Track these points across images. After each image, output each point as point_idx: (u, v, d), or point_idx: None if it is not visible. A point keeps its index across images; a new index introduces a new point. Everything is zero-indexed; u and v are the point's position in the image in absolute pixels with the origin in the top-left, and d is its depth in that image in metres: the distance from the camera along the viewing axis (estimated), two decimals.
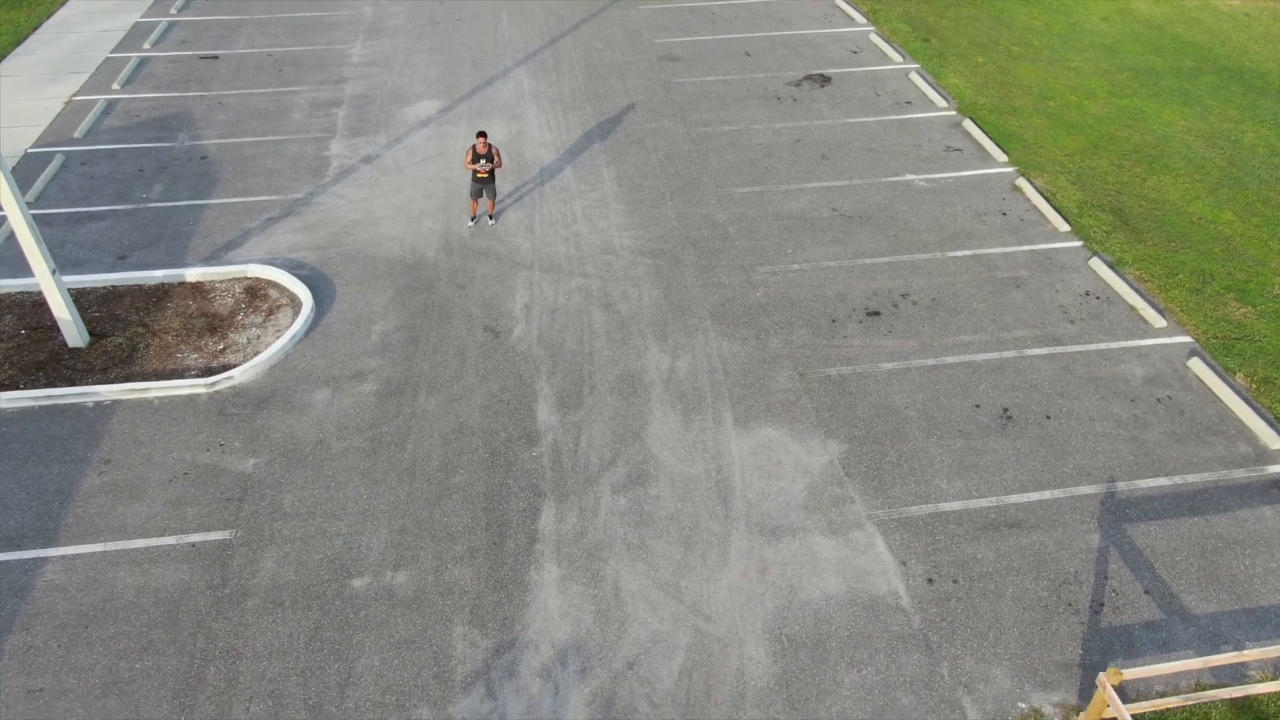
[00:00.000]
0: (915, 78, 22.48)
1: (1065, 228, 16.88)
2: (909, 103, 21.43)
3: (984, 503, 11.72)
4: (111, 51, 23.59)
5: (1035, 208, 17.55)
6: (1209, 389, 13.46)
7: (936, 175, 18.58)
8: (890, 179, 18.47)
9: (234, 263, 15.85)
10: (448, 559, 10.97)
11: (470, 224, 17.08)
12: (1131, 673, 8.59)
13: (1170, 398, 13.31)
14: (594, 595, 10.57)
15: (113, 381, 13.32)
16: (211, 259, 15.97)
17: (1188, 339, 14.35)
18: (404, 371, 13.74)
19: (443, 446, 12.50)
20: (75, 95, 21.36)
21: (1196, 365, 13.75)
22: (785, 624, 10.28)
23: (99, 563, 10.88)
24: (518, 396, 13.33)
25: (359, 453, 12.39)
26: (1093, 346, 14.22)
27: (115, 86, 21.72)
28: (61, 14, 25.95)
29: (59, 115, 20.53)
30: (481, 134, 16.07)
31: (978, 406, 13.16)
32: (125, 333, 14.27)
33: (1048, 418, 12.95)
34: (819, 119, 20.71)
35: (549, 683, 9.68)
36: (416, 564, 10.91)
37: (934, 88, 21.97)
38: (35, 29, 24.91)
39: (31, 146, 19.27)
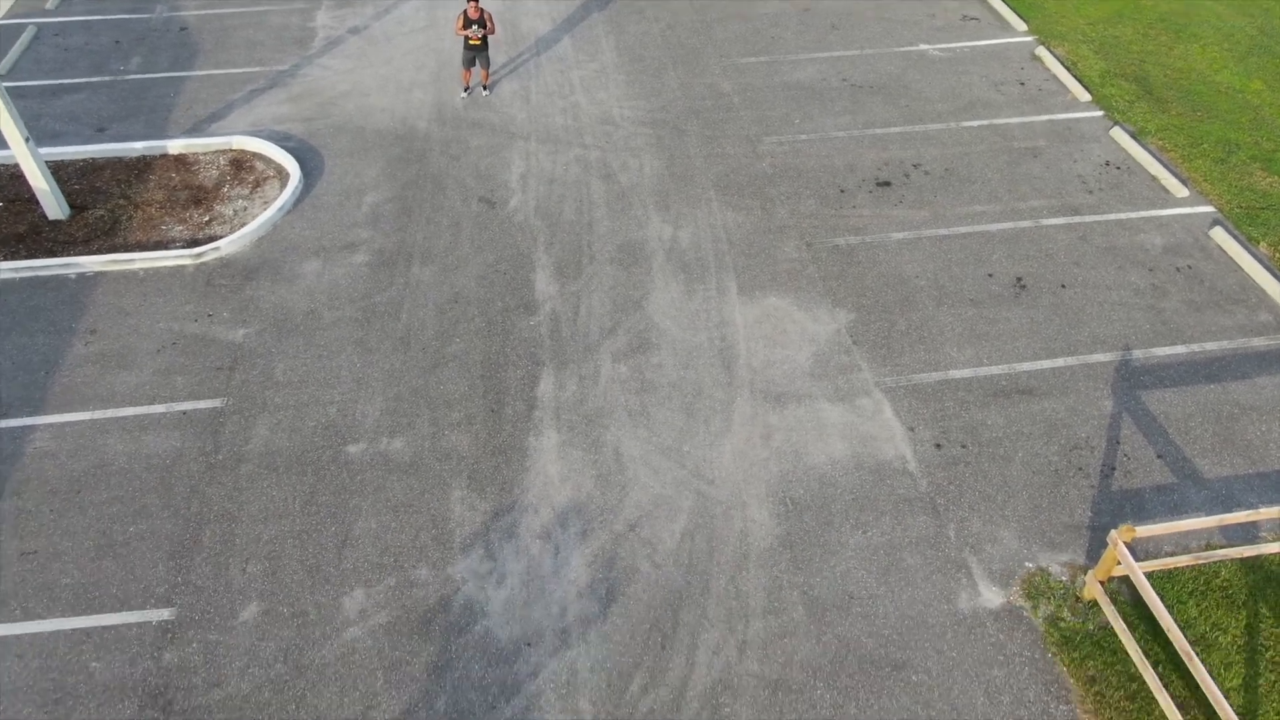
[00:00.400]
0: None
1: (1086, 97, 16.14)
2: None
3: (995, 370, 11.39)
4: None
5: (1055, 77, 16.75)
6: (1230, 258, 12.99)
7: (952, 45, 17.71)
8: (903, 49, 17.62)
9: (218, 135, 15.20)
10: (444, 425, 10.72)
11: (463, 95, 16.35)
12: (1144, 530, 8.39)
13: (1190, 267, 12.86)
14: (594, 460, 10.34)
15: (95, 253, 12.88)
16: (194, 131, 15.33)
17: (1210, 209, 13.81)
18: (396, 242, 13.27)
19: (438, 316, 12.13)
20: None
21: (1219, 234, 13.25)
22: (789, 488, 10.07)
23: (88, 430, 10.64)
24: (514, 267, 12.89)
25: (352, 322, 12.03)
26: (1111, 216, 13.69)
27: None
28: None
29: None
30: None
31: (990, 276, 12.72)
32: (107, 205, 13.76)
33: (1063, 287, 12.53)
34: None
35: (549, 544, 9.52)
36: (412, 430, 10.66)
37: None
38: None
39: (1, 17, 18.36)
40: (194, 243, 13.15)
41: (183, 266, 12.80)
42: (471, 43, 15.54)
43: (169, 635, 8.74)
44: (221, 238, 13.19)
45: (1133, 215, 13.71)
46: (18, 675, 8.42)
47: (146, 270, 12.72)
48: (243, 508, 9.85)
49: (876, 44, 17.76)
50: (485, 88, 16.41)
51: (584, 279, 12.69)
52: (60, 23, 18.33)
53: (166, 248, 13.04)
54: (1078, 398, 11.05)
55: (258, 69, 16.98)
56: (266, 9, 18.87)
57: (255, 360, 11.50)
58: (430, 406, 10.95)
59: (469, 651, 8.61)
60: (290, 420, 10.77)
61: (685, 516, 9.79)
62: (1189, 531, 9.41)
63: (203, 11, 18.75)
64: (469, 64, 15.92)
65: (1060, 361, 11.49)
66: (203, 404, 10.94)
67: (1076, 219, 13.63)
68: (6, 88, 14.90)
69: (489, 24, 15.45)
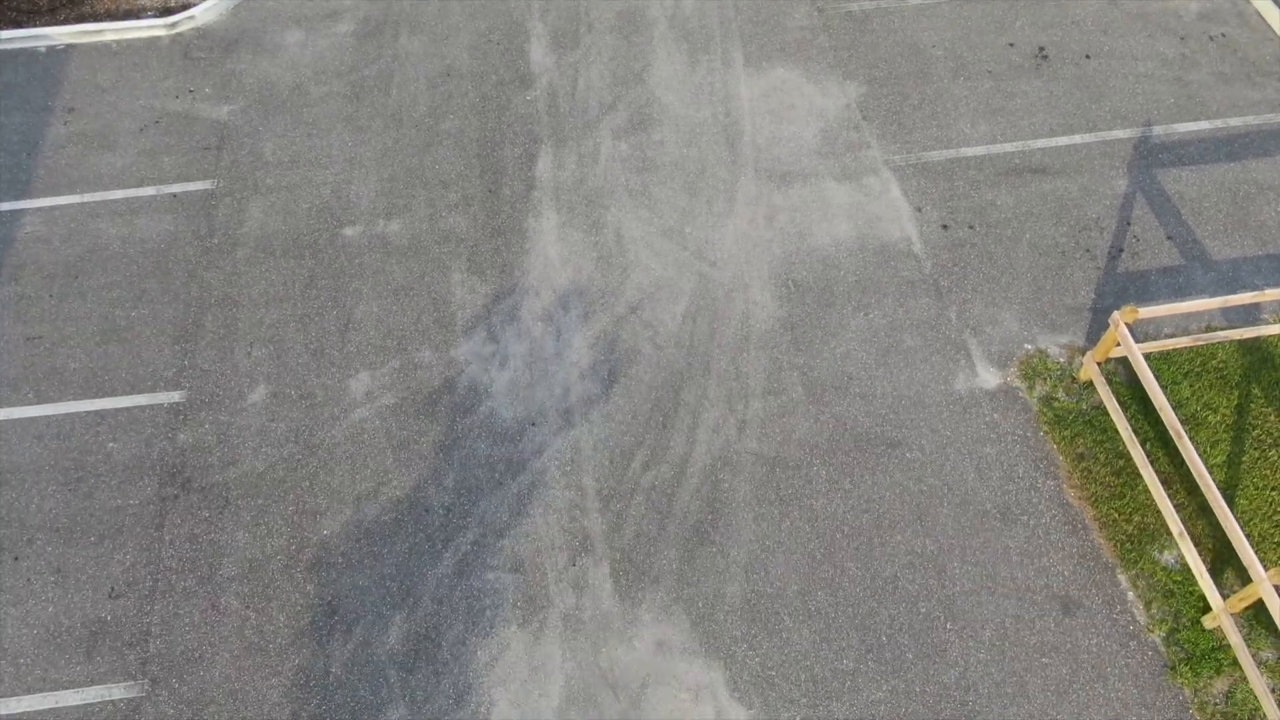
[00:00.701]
0: None
1: None
2: None
3: (1008, 147, 10.99)
4: None
5: None
6: (1269, 25, 12.19)
7: None
8: None
9: None
10: (441, 207, 10.49)
11: None
12: (1146, 311, 8.37)
13: (1224, 35, 12.10)
14: (595, 242, 10.20)
15: (63, 23, 12.11)
16: None
17: None
18: (382, 10, 12.44)
19: (429, 90, 11.57)
20: None
21: (1259, 1, 12.39)
22: (792, 269, 9.99)
23: (79, 214, 10.43)
24: (508, 36, 12.15)
25: (340, 98, 11.50)
26: None
27: None
28: None
29: None
30: None
31: (1011, 45, 12.00)
32: None
33: (1087, 57, 11.85)
34: None
35: (551, 326, 9.57)
36: (409, 212, 10.45)
37: None
38: None
39: None
40: (166, 11, 12.33)
41: (157, 38, 12.08)
42: None
43: (181, 417, 8.97)
44: (195, 5, 12.36)
45: None
46: (39, 455, 8.72)
47: (119, 42, 12.01)
48: (242, 291, 9.83)
49: None
50: None
51: (582, 49, 12.00)
52: None
53: (137, 17, 12.24)
54: (1092, 176, 10.73)
55: None
56: None
57: (243, 139, 11.08)
58: (426, 187, 10.67)
59: (475, 431, 8.86)
60: (284, 202, 10.53)
61: (687, 298, 9.77)
62: (1190, 314, 9.41)
63: None
64: None
65: (1077, 138, 11.06)
66: (193, 186, 10.66)
67: None
68: None
69: None
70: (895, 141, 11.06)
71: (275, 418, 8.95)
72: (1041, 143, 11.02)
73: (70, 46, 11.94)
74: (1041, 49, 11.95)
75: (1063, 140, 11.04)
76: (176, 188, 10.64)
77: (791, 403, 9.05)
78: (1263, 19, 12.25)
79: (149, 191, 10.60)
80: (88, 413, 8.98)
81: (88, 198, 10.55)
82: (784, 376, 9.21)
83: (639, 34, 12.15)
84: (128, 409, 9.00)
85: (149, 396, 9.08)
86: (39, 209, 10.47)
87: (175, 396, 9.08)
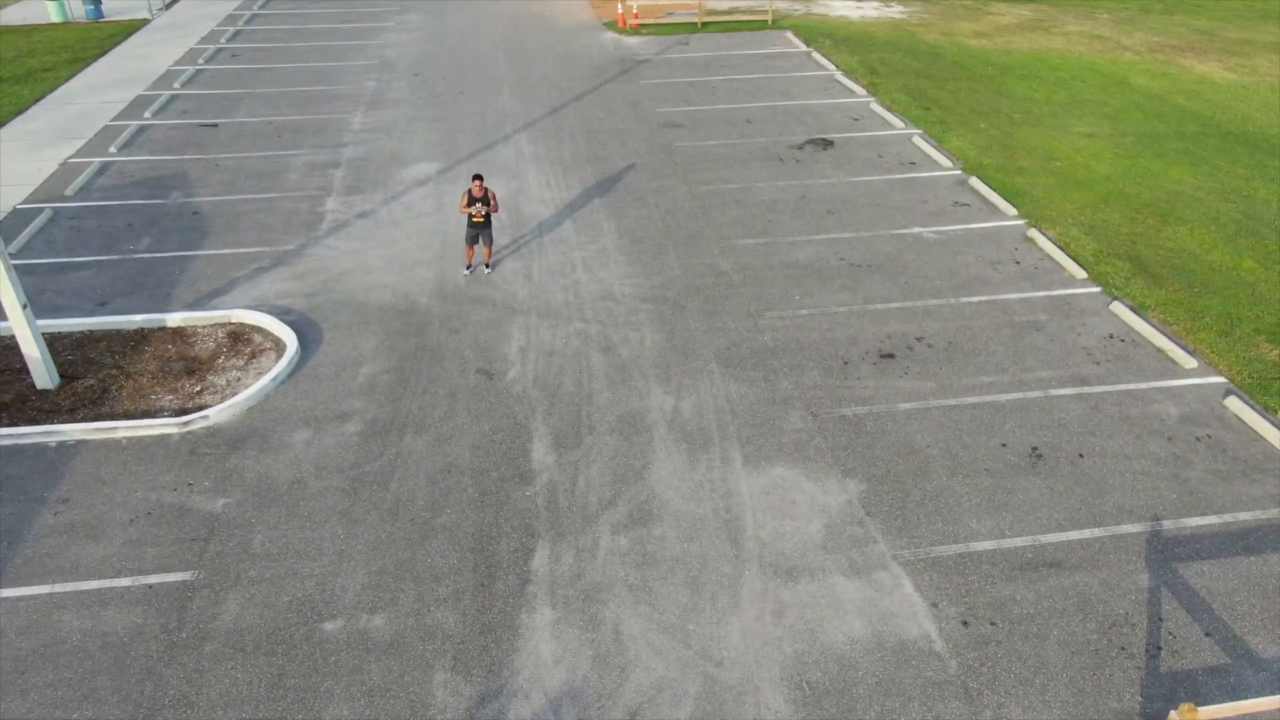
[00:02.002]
0: (918, 141, 22.33)
1: (1082, 275, 16.28)
2: (913, 163, 21.18)
3: (1019, 542, 10.71)
4: (112, 120, 23.55)
5: (1049, 256, 16.99)
6: (1250, 427, 12.58)
7: (945, 228, 18.11)
8: (898, 231, 17.99)
9: (218, 309, 15.19)
10: (430, 601, 9.92)
11: (466, 272, 16.50)
12: (1207, 711, 7.50)
13: (1210, 436, 12.42)
14: (592, 639, 9.48)
15: (80, 422, 12.48)
16: (195, 305, 15.33)
17: (1221, 379, 13.54)
18: (390, 412, 12.90)
19: (429, 486, 11.56)
20: (71, 157, 21.15)
21: (1234, 404, 12.91)
22: (806, 670, 9.17)
23: (45, 605, 9.82)
24: (511, 437, 12.45)
25: (338, 492, 11.45)
26: (1122, 387, 13.41)
27: (112, 150, 21.54)
28: (66, 87, 26.11)
29: (53, 175, 20.25)
30: (477, 177, 15.65)
31: (1004, 445, 12.27)
32: (98, 375, 13.50)
33: (1080, 456, 12.05)
34: (823, 178, 20.40)
35: None
36: (395, 606, 9.85)
37: (937, 149, 21.78)
38: (38, 100, 24.98)
39: (21, 203, 18.88)
40: (182, 412, 12.77)
41: (168, 435, 12.36)
42: (475, 220, 15.84)
43: None
44: (211, 406, 12.83)
45: (1143, 386, 13.43)
46: None
47: (130, 439, 12.26)
48: (201, 692, 8.91)
49: (872, 227, 18.15)
50: (488, 265, 16.59)
51: (583, 449, 12.22)
52: (77, 207, 18.82)
53: (154, 417, 12.65)
54: (1110, 571, 10.31)
55: (264, 249, 17.25)
56: (278, 195, 19.45)
57: (233, 531, 10.82)
58: (416, 580, 10.18)
59: None
60: (263, 595, 9.98)
61: (692, 702, 8.83)
62: (1257, 713, 8.45)
63: (216, 198, 19.32)
64: (472, 241, 16.17)
65: (1087, 533, 10.83)
66: (171, 577, 10.18)
67: (1086, 389, 13.33)
68: (15, 265, 15.04)
69: (492, 202, 15.80)
70: (902, 536, 10.81)
71: None
72: (1052, 537, 10.77)
73: (81, 442, 12.17)
74: (1035, 449, 12.18)
75: (1073, 535, 10.80)
76: (154, 579, 10.15)
77: None
78: (1243, 421, 12.67)
79: (125, 582, 10.09)
80: None
81: (59, 588, 10.02)
82: None
83: (639, 435, 12.47)
84: None
85: None
86: (3, 599, 9.88)
87: None
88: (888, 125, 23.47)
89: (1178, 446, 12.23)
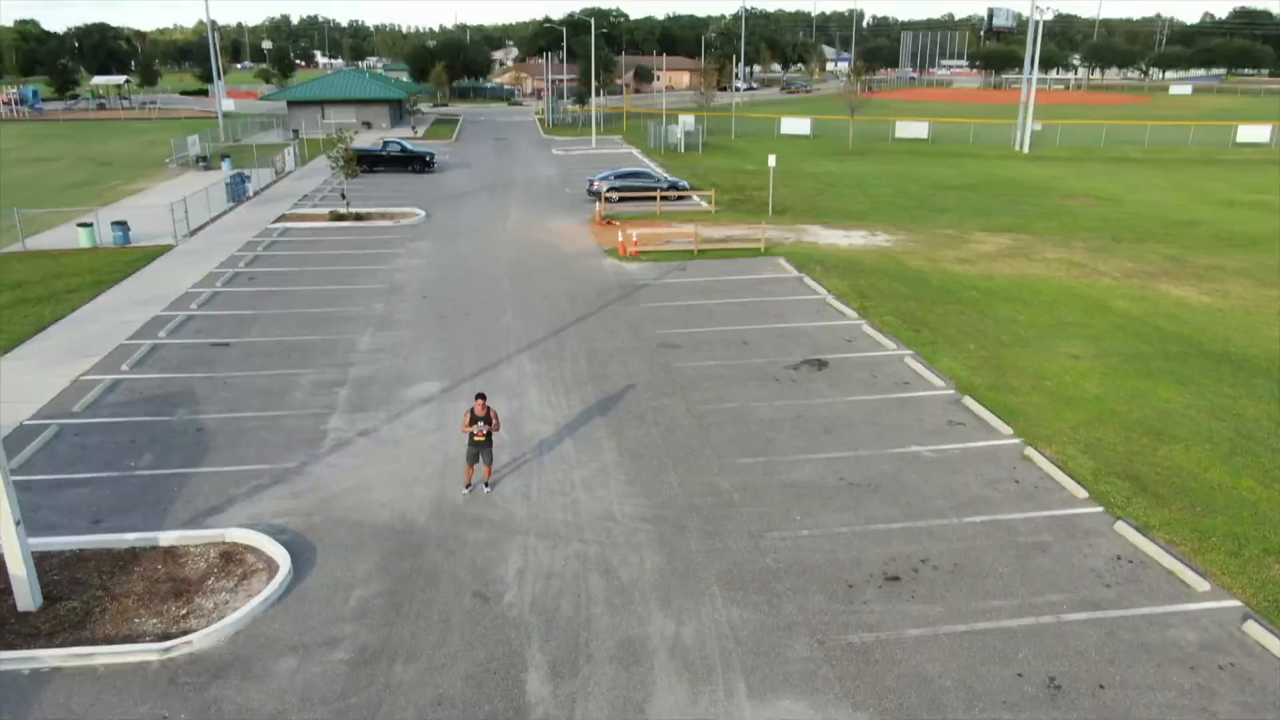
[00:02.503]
0: (910, 361, 22.94)
1: (1083, 494, 16.25)
2: (906, 383, 21.66)
3: None
4: (127, 338, 24.29)
5: (1048, 475, 17.02)
6: (1274, 655, 12.12)
7: (943, 446, 18.25)
8: (896, 450, 18.12)
9: (212, 528, 15.01)
10: None
11: (465, 491, 16.45)
12: None
13: (1234, 665, 11.94)
14: None
15: (59, 647, 12.01)
16: (190, 524, 15.16)
17: (1236, 602, 13.20)
18: (381, 639, 12.45)
19: None
20: (83, 375, 21.63)
21: (1254, 629, 12.51)
22: None
23: None
24: (506, 666, 11.96)
25: None
26: (1136, 611, 13.04)
27: (124, 368, 22.07)
28: (87, 308, 27.13)
29: (63, 392, 20.63)
30: (480, 396, 15.96)
31: (1020, 675, 11.76)
32: (82, 596, 13.14)
33: (1101, 687, 11.52)
34: (819, 397, 20.79)
35: None
36: None
37: (929, 369, 22.34)
38: (58, 319, 25.87)
39: (28, 418, 19.12)
40: (165, 637, 12.33)
41: (147, 662, 11.86)
42: (477, 439, 15.98)
43: None
44: (195, 631, 12.39)
45: (1157, 610, 13.06)
46: None
47: (107, 666, 11.76)
48: None
49: (869, 446, 18.30)
50: (487, 484, 16.57)
51: (580, 679, 11.71)
52: (83, 423, 19.04)
53: (136, 641, 12.20)
54: None
55: (265, 467, 17.28)
56: (283, 413, 19.73)
57: None
58: None
59: None
60: None
61: None
62: None
63: (221, 415, 19.58)
64: (473, 460, 16.23)
65: None
66: None
67: (1099, 614, 12.96)
68: (14, 480, 15.01)
69: (494, 421, 16.01)
70: None
71: None
72: None
73: (56, 670, 11.66)
74: (1052, 679, 11.68)
75: None
76: None
77: None
78: (1265, 648, 12.22)
79: None
80: None
81: None
82: None
83: (639, 664, 11.99)
84: None
85: None
86: None
87: None
88: (880, 346, 24.20)
89: (1201, 676, 11.74)
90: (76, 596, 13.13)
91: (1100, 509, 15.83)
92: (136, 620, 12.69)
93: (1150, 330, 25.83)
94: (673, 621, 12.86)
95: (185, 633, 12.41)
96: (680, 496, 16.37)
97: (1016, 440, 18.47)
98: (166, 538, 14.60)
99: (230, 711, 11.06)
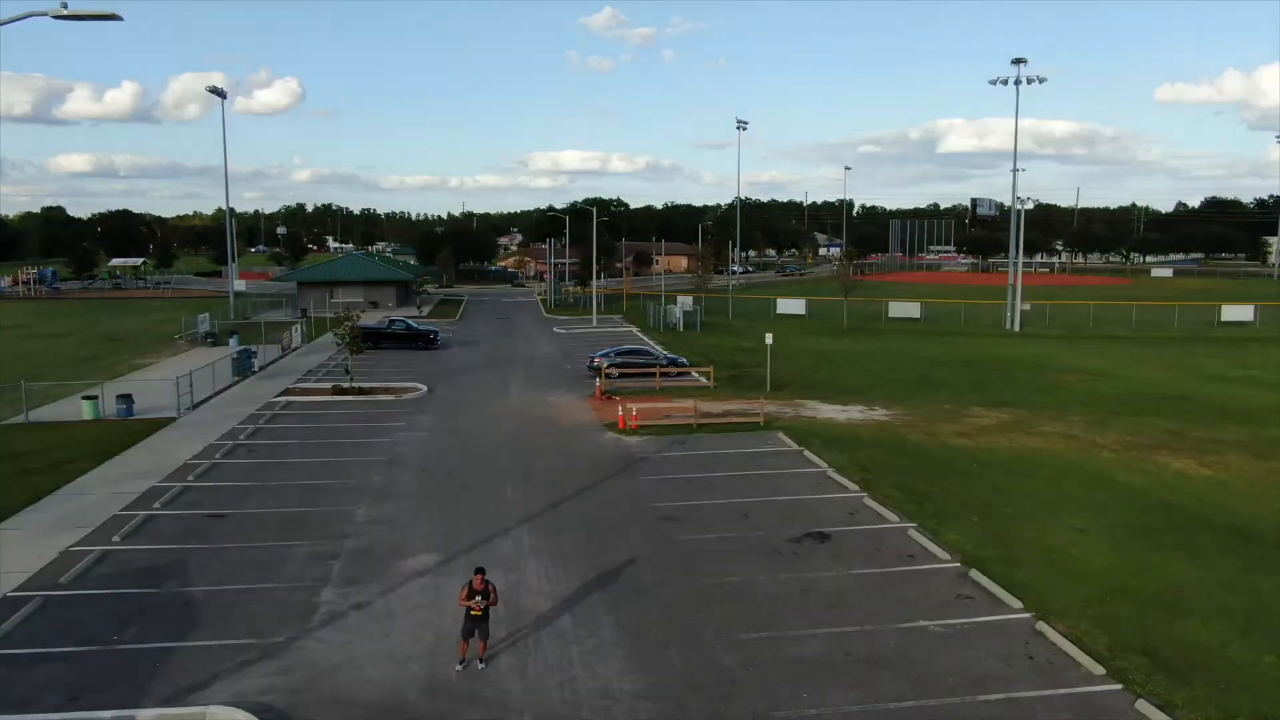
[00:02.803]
0: (914, 534, 22.65)
1: (1100, 670, 15.66)
2: (911, 556, 21.31)
3: None
4: (121, 509, 24.07)
5: (1063, 651, 16.45)
6: None
7: (951, 621, 17.74)
8: (903, 625, 17.60)
9: (193, 705, 14.37)
10: None
11: (459, 667, 15.85)
12: None
13: None
14: None
15: None
16: (171, 701, 14.53)
17: None
18: None
19: None
20: (73, 545, 21.28)
21: None
22: None
23: None
24: None
25: None
26: None
27: (115, 539, 21.76)
28: (84, 478, 27.04)
29: (51, 563, 20.24)
30: (479, 570, 15.70)
31: None
32: None
33: None
34: (823, 571, 20.40)
35: None
36: None
37: (934, 542, 22.01)
38: (54, 490, 25.72)
39: (12, 590, 18.66)
40: None
41: None
42: (474, 613, 15.56)
43: None
44: None
45: None
46: None
47: None
48: None
49: (876, 620, 17.79)
50: (482, 660, 15.98)
51: None
52: (68, 595, 18.57)
53: None
54: None
55: (253, 641, 16.73)
56: (275, 585, 19.29)
57: None
58: None
59: None
60: None
61: None
62: None
63: (211, 587, 19.13)
64: (468, 635, 15.74)
65: None
66: None
67: None
68: None
69: (492, 595, 15.64)
70: None
71: None
72: None
73: None
74: None
75: None
76: None
77: None
78: None
79: None
80: None
81: None
82: None
83: None
84: None
85: None
86: None
87: None
88: (882, 519, 23.95)
89: None
90: None
91: (1119, 686, 15.20)
92: None
93: (1154, 502, 25.64)
94: None
95: None
96: (682, 675, 15.76)
97: (1027, 614, 17.97)
98: (144, 716, 13.96)
99: None
